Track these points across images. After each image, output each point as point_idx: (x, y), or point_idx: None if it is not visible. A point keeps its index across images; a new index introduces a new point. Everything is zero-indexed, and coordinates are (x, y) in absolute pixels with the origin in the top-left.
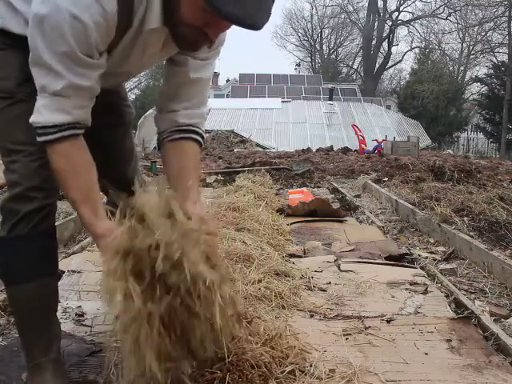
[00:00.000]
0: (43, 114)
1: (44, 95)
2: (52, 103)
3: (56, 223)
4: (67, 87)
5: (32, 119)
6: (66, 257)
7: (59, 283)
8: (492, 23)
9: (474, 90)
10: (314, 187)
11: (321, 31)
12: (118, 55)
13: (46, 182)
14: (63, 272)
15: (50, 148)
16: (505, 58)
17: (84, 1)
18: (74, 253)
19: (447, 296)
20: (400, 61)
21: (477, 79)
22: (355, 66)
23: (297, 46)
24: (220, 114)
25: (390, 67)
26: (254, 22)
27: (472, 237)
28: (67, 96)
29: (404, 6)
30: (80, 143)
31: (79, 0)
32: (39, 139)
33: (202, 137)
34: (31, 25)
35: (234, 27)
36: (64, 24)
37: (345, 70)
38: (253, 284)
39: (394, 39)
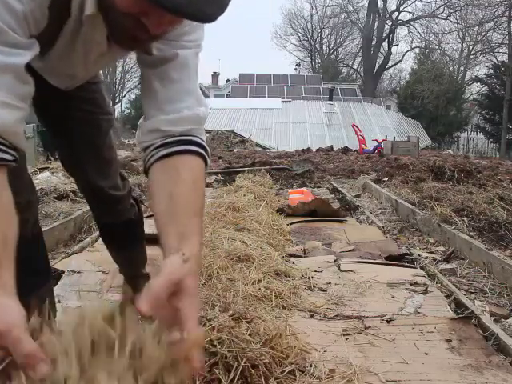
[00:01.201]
0: None
1: None
2: None
3: (56, 223)
4: None
5: None
6: (65, 257)
7: (59, 283)
8: (492, 23)
9: (474, 90)
10: (314, 187)
11: (321, 31)
12: (58, 51)
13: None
14: (63, 272)
15: None
16: (505, 57)
17: None
18: (74, 253)
19: (447, 296)
20: (400, 61)
21: (477, 79)
22: (355, 66)
23: (297, 46)
24: (220, 114)
25: (390, 67)
26: (199, 11)
27: (472, 237)
28: None
29: (404, 6)
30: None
31: None
32: None
33: (205, 149)
34: None
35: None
36: None
37: (345, 70)
38: (253, 284)
39: (394, 39)
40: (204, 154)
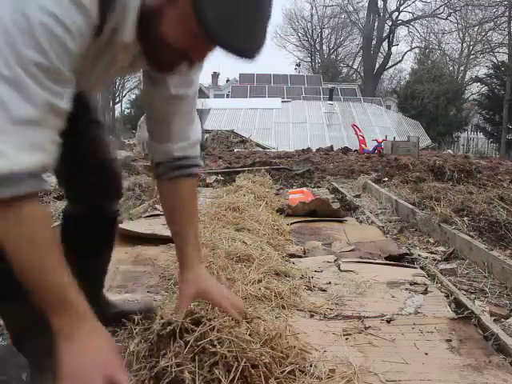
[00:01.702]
0: (8, 154)
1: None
2: (20, 136)
3: (56, 223)
4: (44, 109)
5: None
6: None
7: None
8: (492, 23)
9: (474, 90)
10: (314, 187)
11: (321, 31)
12: (80, 68)
13: None
14: None
15: (15, 209)
16: (505, 57)
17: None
18: None
19: (447, 296)
20: (400, 61)
21: (477, 79)
22: (355, 66)
23: (297, 46)
24: (220, 114)
25: (390, 67)
26: (252, 53)
27: (472, 237)
28: (43, 123)
29: (404, 5)
30: (42, 207)
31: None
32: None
33: (198, 165)
34: None
35: None
36: (39, 25)
37: (345, 70)
38: (253, 284)
39: (394, 39)
40: (198, 171)
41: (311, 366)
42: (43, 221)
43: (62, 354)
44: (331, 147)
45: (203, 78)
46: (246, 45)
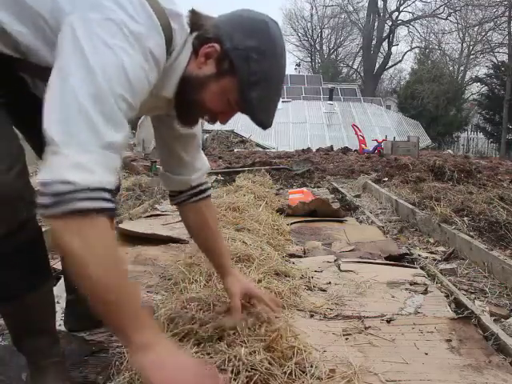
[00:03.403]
0: (96, 172)
1: (89, 148)
2: (104, 159)
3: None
4: (124, 139)
5: (76, 179)
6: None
7: (59, 283)
8: (492, 23)
9: (474, 90)
10: (314, 187)
11: (321, 31)
12: None
13: (27, 188)
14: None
15: (93, 220)
16: (505, 57)
17: (156, 37)
18: None
19: (447, 296)
20: (400, 61)
21: (477, 79)
22: (355, 66)
23: (297, 46)
24: None
25: (390, 67)
26: (270, 125)
27: (472, 237)
28: (118, 151)
29: (404, 5)
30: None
31: (154, 36)
32: (87, 205)
33: (210, 187)
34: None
35: None
36: (133, 74)
37: (345, 70)
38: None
39: (394, 39)
40: (210, 192)
41: (311, 366)
42: (113, 236)
43: (151, 370)
44: (331, 147)
45: None
46: (269, 120)
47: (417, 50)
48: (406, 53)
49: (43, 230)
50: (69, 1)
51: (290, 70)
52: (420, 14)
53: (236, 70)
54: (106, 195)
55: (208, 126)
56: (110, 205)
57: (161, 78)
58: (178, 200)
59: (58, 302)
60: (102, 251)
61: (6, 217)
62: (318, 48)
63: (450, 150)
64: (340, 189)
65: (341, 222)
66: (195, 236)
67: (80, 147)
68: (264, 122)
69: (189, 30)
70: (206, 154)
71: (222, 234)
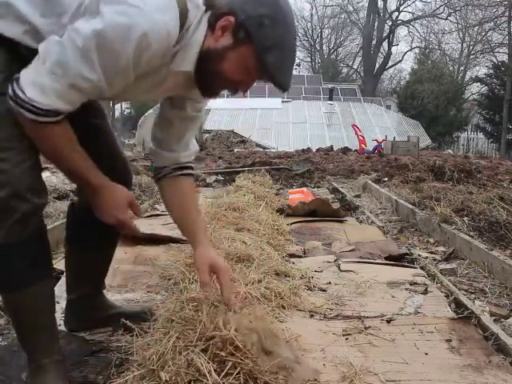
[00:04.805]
0: (51, 97)
1: (60, 80)
2: (67, 93)
3: (56, 223)
4: (94, 87)
5: (32, 96)
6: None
7: (59, 283)
8: (492, 23)
9: (474, 90)
10: (314, 187)
11: (321, 31)
12: (124, 87)
13: (38, 182)
14: (63, 272)
15: (46, 127)
16: (505, 57)
17: (159, 24)
18: None
19: (447, 296)
20: (400, 61)
21: (477, 79)
22: (355, 66)
23: (297, 46)
24: (220, 114)
25: (390, 67)
26: (289, 87)
27: (472, 237)
28: (84, 92)
29: (404, 5)
30: (67, 122)
31: (155, 22)
32: (36, 118)
33: (193, 169)
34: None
35: None
36: (134, 39)
37: (345, 70)
38: (253, 284)
39: (394, 39)
40: (194, 175)
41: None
42: (71, 135)
43: (98, 200)
44: (331, 147)
45: None
46: (287, 81)
47: (417, 50)
48: (406, 53)
49: (47, 228)
50: None
51: None
52: (420, 14)
53: (251, 38)
54: (51, 113)
55: (208, 126)
56: (56, 118)
57: (179, 54)
58: (161, 173)
59: (57, 302)
60: (62, 142)
61: (12, 208)
62: (318, 48)
63: (449, 150)
64: (340, 189)
65: (341, 222)
66: (171, 206)
67: (53, 77)
68: (282, 83)
69: (204, 8)
70: (206, 154)
71: (222, 233)
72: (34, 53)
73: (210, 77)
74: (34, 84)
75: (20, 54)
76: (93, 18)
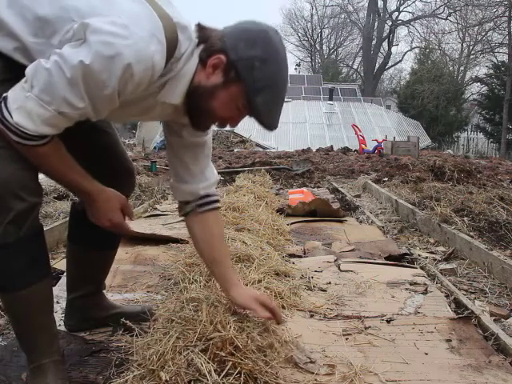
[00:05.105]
0: (37, 123)
1: (47, 107)
2: (53, 119)
3: (56, 223)
4: (80, 114)
5: (19, 122)
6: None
7: (59, 283)
8: (492, 23)
9: (474, 90)
10: (313, 187)
11: (321, 31)
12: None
13: (32, 181)
14: (63, 272)
15: (33, 150)
16: (505, 58)
17: (144, 55)
18: None
19: (447, 296)
20: (400, 61)
21: (477, 79)
22: (355, 66)
23: (297, 46)
24: None
25: (390, 67)
26: (276, 127)
27: (472, 237)
28: (71, 118)
29: (404, 6)
30: (57, 139)
31: (140, 52)
32: (22, 141)
33: (219, 200)
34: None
35: None
36: (119, 69)
37: (345, 70)
38: (253, 284)
39: (394, 39)
40: (219, 205)
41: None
42: (60, 150)
43: (93, 205)
44: (331, 147)
45: None
46: (275, 122)
47: (417, 50)
48: (406, 53)
49: (47, 228)
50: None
51: (290, 70)
52: (420, 14)
53: (242, 79)
54: (36, 138)
55: None
56: (41, 141)
57: (167, 85)
58: (185, 210)
59: (57, 302)
60: (54, 160)
61: (7, 207)
62: (318, 48)
63: (449, 150)
64: (340, 189)
65: (341, 221)
66: (200, 249)
67: (41, 103)
68: (270, 124)
69: (196, 42)
70: None
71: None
72: (25, 67)
73: (200, 113)
74: (21, 109)
75: (15, 62)
76: (80, 44)
